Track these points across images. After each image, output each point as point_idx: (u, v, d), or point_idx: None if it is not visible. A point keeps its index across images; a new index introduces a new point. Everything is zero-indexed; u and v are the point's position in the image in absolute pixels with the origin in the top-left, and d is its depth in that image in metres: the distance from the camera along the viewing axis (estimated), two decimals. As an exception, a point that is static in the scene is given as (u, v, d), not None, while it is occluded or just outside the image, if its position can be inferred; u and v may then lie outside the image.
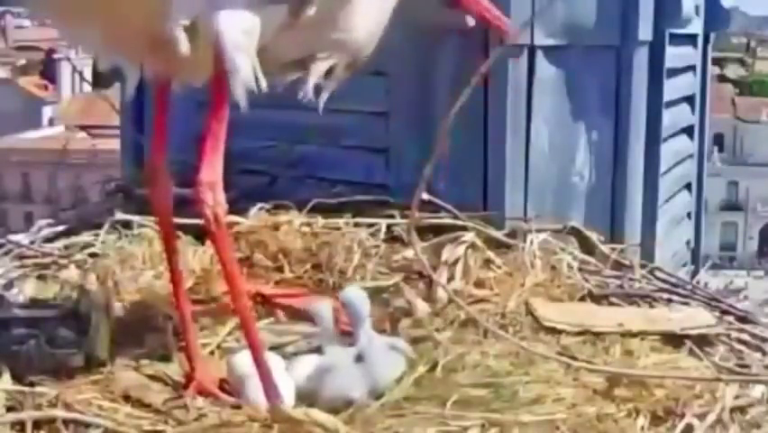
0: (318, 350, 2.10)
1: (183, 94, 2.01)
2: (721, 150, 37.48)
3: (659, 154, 3.01)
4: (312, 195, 2.76)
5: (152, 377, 2.00)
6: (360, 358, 2.00)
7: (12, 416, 1.77)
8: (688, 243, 3.57)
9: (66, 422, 1.76)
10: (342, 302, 2.10)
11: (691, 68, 3.48)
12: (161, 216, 2.06)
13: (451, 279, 2.44)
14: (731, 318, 2.39)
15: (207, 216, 1.83)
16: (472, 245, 2.55)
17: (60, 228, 2.70)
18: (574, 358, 2.05)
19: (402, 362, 2.03)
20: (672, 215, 3.32)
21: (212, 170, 1.82)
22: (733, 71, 43.49)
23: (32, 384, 1.88)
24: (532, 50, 2.77)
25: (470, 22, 2.72)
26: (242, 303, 1.92)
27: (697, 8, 3.36)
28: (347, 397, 1.92)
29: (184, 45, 1.77)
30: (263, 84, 1.79)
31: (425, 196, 2.30)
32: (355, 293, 2.12)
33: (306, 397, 1.93)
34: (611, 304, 2.43)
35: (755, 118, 39.03)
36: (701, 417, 1.85)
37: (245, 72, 1.78)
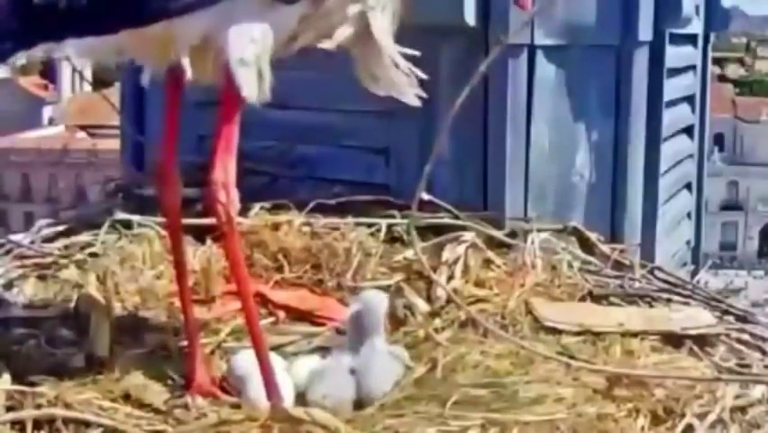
0: (319, 351, 2.10)
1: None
2: (721, 150, 37.52)
3: (659, 154, 3.01)
4: (312, 195, 2.76)
5: (152, 377, 2.00)
6: (356, 370, 1.99)
7: (12, 416, 1.77)
8: (688, 243, 3.57)
9: (66, 422, 1.76)
10: (363, 306, 2.09)
11: (691, 68, 3.48)
12: (170, 217, 2.04)
13: (451, 279, 2.44)
14: (731, 318, 2.38)
15: (221, 215, 1.83)
16: (472, 245, 2.55)
17: (60, 228, 2.69)
18: (574, 358, 2.05)
19: (399, 372, 2.02)
20: (672, 215, 3.32)
21: (225, 170, 1.83)
22: (733, 71, 43.54)
23: (32, 384, 1.88)
24: (532, 50, 2.77)
25: (470, 21, 2.72)
26: (249, 303, 1.92)
27: (697, 8, 3.36)
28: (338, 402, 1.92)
29: (188, 71, 1.78)
30: (268, 89, 1.80)
31: (425, 196, 2.30)
32: (377, 298, 2.12)
33: (302, 397, 1.93)
34: (611, 304, 2.43)
35: (755, 118, 39.08)
36: (701, 417, 1.85)
37: (250, 86, 1.79)
